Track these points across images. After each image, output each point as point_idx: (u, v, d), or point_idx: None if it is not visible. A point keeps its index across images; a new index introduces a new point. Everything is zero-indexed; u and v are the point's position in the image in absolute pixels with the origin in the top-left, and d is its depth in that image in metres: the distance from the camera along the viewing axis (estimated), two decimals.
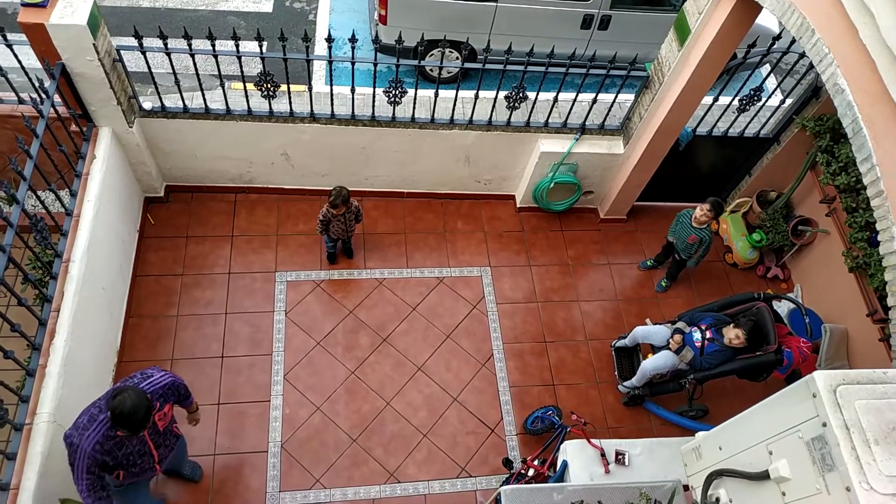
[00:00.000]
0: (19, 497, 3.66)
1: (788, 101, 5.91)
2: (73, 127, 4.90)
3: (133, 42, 4.65)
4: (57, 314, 4.20)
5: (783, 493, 2.69)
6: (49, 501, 3.89)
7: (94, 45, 4.38)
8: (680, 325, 5.24)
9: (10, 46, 4.35)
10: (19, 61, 4.42)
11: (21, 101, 4.73)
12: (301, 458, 5.08)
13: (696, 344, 5.03)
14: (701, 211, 5.42)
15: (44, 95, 4.33)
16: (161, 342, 5.37)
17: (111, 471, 3.57)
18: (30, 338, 4.00)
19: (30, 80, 4.34)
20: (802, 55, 5.29)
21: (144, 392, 3.36)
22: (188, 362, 5.34)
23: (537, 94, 5.50)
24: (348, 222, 5.52)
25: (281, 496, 4.91)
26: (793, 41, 4.82)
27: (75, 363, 4.28)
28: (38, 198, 4.25)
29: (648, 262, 6.42)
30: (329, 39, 4.75)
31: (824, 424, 2.46)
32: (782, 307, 5.92)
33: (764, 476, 2.79)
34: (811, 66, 5.34)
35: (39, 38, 4.27)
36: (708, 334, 5.01)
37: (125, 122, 5.08)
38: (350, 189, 6.27)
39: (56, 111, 4.49)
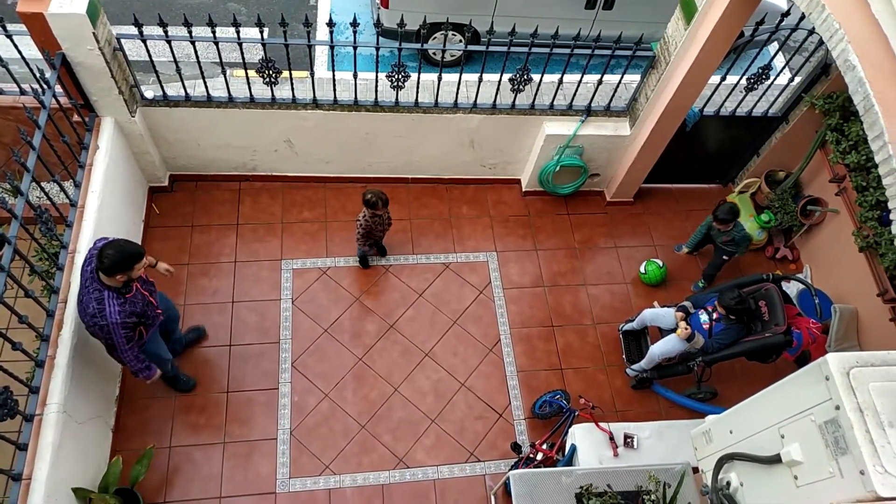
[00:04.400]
0: (31, 487, 3.70)
1: (797, 80, 5.83)
2: (76, 117, 4.88)
3: (133, 30, 4.60)
4: (64, 305, 4.21)
5: (795, 477, 2.68)
6: (61, 491, 3.92)
7: (93, 33, 4.34)
8: (686, 304, 5.22)
9: (10, 37, 4.32)
10: (20, 52, 4.39)
11: (23, 92, 4.71)
12: (310, 445, 5.10)
13: (704, 326, 5.01)
14: (715, 224, 5.43)
15: (45, 86, 4.31)
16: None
17: (135, 331, 3.97)
18: (38, 329, 4.01)
19: (31, 70, 4.32)
20: (811, 32, 5.20)
21: (110, 239, 3.78)
22: (196, 351, 5.35)
23: (542, 76, 5.43)
24: (385, 224, 5.53)
25: (291, 482, 4.94)
26: (802, 17, 4.75)
27: (83, 353, 4.29)
28: (43, 189, 4.25)
29: (700, 284, 6.18)
30: (330, 24, 4.70)
31: (837, 407, 2.43)
32: (791, 288, 5.88)
33: (776, 460, 2.77)
34: (820, 43, 5.26)
35: (39, 27, 4.24)
36: (715, 315, 4.99)
37: (127, 111, 5.05)
38: (354, 176, 6.31)
39: (58, 101, 4.47)
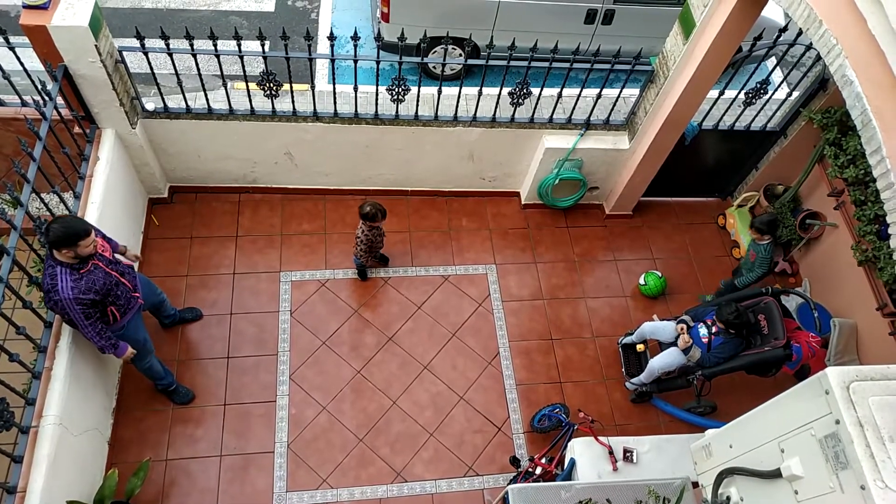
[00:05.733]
0: (26, 500, 3.66)
1: (795, 94, 5.86)
2: (76, 129, 4.89)
3: (135, 43, 4.63)
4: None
5: (796, 492, 2.66)
6: None
7: (96, 46, 4.37)
8: (685, 317, 5.21)
9: (12, 49, 4.34)
10: (22, 64, 4.41)
11: (24, 104, 4.73)
12: (307, 458, 5.07)
13: (703, 339, 5.00)
14: (751, 232, 5.42)
15: (46, 98, 4.32)
16: (166, 343, 5.36)
17: (104, 311, 4.01)
18: (35, 340, 3.99)
19: (32, 82, 4.33)
20: (809, 47, 5.25)
21: (62, 215, 3.87)
22: (193, 363, 5.33)
23: (541, 90, 5.46)
24: (383, 233, 5.54)
25: (288, 496, 4.90)
26: (799, 33, 4.78)
27: (80, 365, 4.28)
28: (42, 200, 4.25)
29: (707, 297, 6.11)
30: (331, 38, 4.73)
31: (837, 422, 2.43)
32: (791, 302, 5.87)
33: (776, 474, 2.76)
34: (818, 58, 5.31)
35: (41, 39, 4.26)
36: (714, 328, 4.98)
37: (128, 123, 5.07)
38: (354, 188, 6.32)
39: (59, 113, 4.49)
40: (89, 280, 3.84)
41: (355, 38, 4.71)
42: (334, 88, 5.26)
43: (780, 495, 2.76)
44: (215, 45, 4.71)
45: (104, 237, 4.21)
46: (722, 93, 5.55)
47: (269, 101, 5.14)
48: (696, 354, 4.99)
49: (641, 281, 6.13)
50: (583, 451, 4.58)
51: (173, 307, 5.29)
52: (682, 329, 5.11)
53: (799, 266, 6.47)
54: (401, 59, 4.93)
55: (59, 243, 3.66)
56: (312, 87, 5.14)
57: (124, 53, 4.75)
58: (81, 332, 3.99)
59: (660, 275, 6.12)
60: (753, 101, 5.54)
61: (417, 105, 5.43)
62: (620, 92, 5.59)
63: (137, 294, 4.31)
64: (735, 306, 4.76)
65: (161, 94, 5.19)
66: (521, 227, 6.50)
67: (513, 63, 5.03)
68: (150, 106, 5.25)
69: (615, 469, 4.50)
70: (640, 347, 5.46)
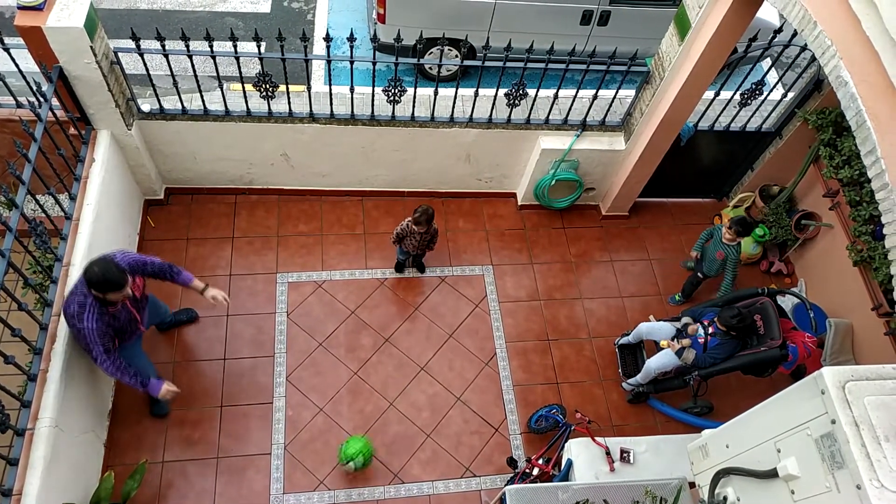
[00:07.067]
0: (22, 502, 3.64)
1: (790, 95, 5.89)
2: (72, 130, 4.88)
3: (131, 44, 4.62)
4: (58, 318, 4.18)
5: (792, 492, 2.67)
6: None
7: (91, 47, 4.36)
8: (685, 319, 5.22)
9: (7, 50, 4.32)
10: (17, 65, 4.40)
11: (19, 105, 4.70)
12: (304, 460, 5.06)
13: (700, 340, 5.01)
14: (725, 230, 5.40)
15: (42, 99, 4.30)
16: (163, 345, 5.35)
17: (111, 340, 4.02)
18: (31, 342, 3.98)
19: (28, 83, 4.32)
20: (804, 48, 5.27)
21: (109, 258, 3.84)
22: (190, 365, 5.32)
23: (537, 91, 5.47)
24: (423, 242, 5.51)
25: (285, 498, 4.89)
26: (794, 34, 4.80)
27: (76, 367, 4.26)
28: (38, 202, 4.23)
29: (677, 297, 6.20)
30: (327, 39, 4.73)
31: (833, 421, 2.43)
32: (786, 302, 5.89)
33: (772, 474, 2.77)
34: (813, 60, 5.33)
35: (36, 41, 4.25)
36: (710, 329, 4.99)
37: (124, 124, 5.06)
38: (350, 189, 6.31)
39: (54, 115, 4.47)
40: (113, 318, 3.94)
41: (351, 39, 4.71)
42: (331, 89, 5.26)
43: (777, 495, 2.77)
44: (211, 47, 4.69)
45: (160, 270, 4.24)
46: (717, 94, 5.56)
47: (266, 102, 5.13)
48: (690, 356, 5.00)
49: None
50: (580, 452, 4.59)
51: (169, 314, 5.26)
52: (667, 344, 5.16)
53: (794, 266, 6.49)
54: (397, 60, 4.94)
55: (92, 284, 3.72)
56: (309, 89, 5.13)
57: (120, 54, 4.74)
58: (93, 355, 3.96)
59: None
60: (749, 101, 5.55)
61: (414, 106, 5.43)
62: (616, 93, 5.61)
63: (142, 328, 4.37)
64: (737, 310, 4.77)
65: (157, 95, 5.18)
66: (517, 228, 6.50)
67: (509, 64, 5.03)
68: (145, 107, 5.24)
69: (612, 470, 4.50)
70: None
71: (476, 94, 5.38)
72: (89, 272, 3.69)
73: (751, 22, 4.56)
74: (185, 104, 5.30)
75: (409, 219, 5.29)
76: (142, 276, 4.21)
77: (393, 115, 5.49)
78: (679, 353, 5.03)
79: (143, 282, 4.24)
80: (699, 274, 5.83)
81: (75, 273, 4.36)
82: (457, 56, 7.63)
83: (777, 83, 5.71)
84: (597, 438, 4.62)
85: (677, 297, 6.20)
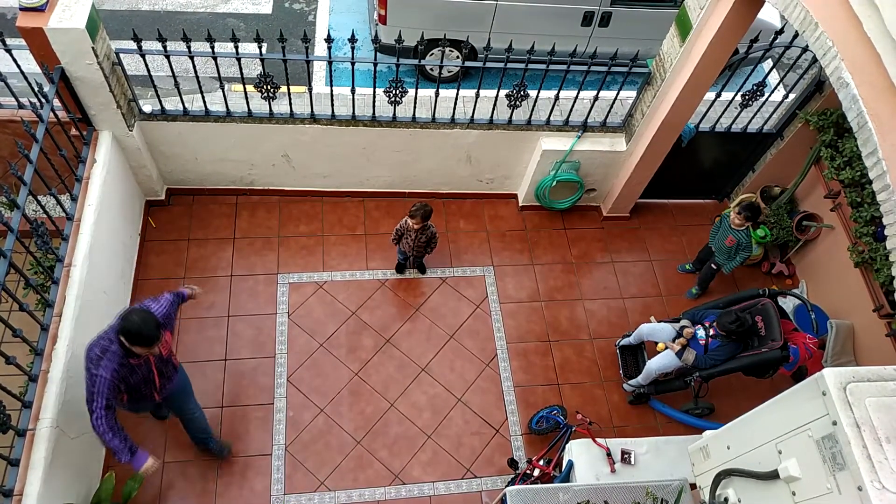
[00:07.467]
0: (23, 503, 3.65)
1: (791, 96, 5.87)
2: (73, 131, 4.89)
3: (132, 45, 4.63)
4: (59, 319, 4.19)
5: (793, 493, 2.67)
6: None
7: (93, 48, 4.36)
8: (684, 321, 5.22)
9: (9, 51, 4.33)
10: (19, 66, 4.41)
11: (21, 106, 4.71)
12: (305, 461, 5.06)
13: (701, 342, 5.01)
14: (734, 214, 5.40)
15: (43, 100, 4.31)
16: None
17: (119, 393, 3.83)
18: (32, 343, 3.98)
19: (29, 84, 4.33)
20: (805, 49, 5.27)
21: (148, 309, 3.70)
22: (191, 365, 5.29)
23: (538, 93, 5.47)
24: (418, 242, 5.47)
25: (286, 499, 4.89)
26: (795, 35, 4.80)
27: (77, 368, 4.26)
28: (39, 202, 4.23)
29: (687, 266, 6.35)
30: (329, 40, 4.73)
31: (834, 423, 2.43)
32: (788, 303, 5.88)
33: (773, 476, 2.76)
34: (814, 61, 5.32)
35: (38, 42, 4.26)
36: (711, 331, 4.98)
37: (125, 125, 5.06)
38: (351, 190, 6.31)
39: (56, 115, 4.48)
40: (131, 371, 3.75)
41: (352, 40, 4.72)
42: (332, 90, 5.26)
43: (778, 496, 2.77)
44: (212, 48, 4.70)
45: (177, 308, 4.10)
46: (719, 95, 5.56)
47: (267, 103, 5.14)
48: (690, 358, 4.99)
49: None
50: (581, 453, 4.58)
51: (208, 434, 4.76)
52: (662, 347, 5.18)
53: (796, 268, 6.48)
54: (398, 61, 4.94)
55: (125, 333, 3.54)
56: (310, 90, 5.14)
57: (121, 55, 4.75)
58: (91, 404, 3.66)
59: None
60: (750, 103, 5.55)
61: (415, 107, 5.43)
62: (617, 94, 5.61)
63: (157, 395, 4.13)
64: (735, 315, 4.76)
65: (158, 96, 5.18)
66: (518, 229, 6.50)
67: (510, 65, 5.03)
68: (147, 108, 5.24)
69: (613, 471, 4.50)
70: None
71: (477, 96, 5.38)
72: (128, 321, 3.51)
73: (752, 23, 4.56)
74: (187, 105, 5.31)
75: (407, 215, 5.29)
76: (170, 332, 4.02)
77: (394, 116, 5.49)
78: (679, 353, 5.02)
79: (170, 338, 4.03)
80: (713, 265, 5.86)
81: (76, 274, 4.37)
82: (458, 57, 7.64)
83: (778, 84, 5.71)
84: (598, 439, 4.61)
85: (694, 291, 6.22)
